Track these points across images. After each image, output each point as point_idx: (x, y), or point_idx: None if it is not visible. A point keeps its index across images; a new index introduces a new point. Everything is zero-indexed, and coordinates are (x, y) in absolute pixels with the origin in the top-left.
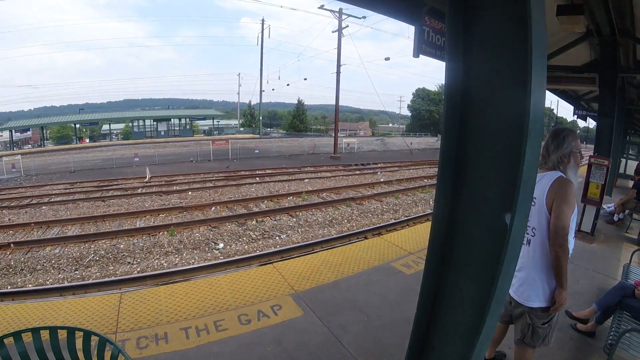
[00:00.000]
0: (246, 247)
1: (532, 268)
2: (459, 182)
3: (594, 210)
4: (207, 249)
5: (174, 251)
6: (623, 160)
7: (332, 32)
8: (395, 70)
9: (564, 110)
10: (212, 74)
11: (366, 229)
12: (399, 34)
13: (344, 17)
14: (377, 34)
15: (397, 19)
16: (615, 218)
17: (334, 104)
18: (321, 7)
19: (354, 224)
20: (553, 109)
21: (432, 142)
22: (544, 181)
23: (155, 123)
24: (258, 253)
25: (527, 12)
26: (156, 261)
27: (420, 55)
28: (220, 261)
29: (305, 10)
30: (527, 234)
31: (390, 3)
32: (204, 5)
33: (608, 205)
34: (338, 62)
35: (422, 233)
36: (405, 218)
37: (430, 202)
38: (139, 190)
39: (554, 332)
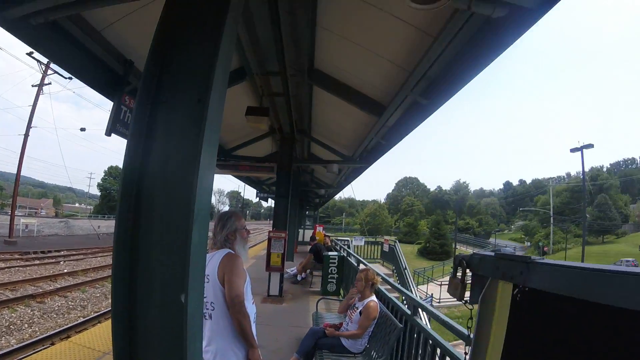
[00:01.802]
0: None
1: (221, 339)
2: (135, 268)
3: (279, 275)
4: None
5: None
6: (302, 231)
7: (32, 85)
8: (90, 143)
9: (250, 192)
10: None
11: (52, 332)
12: (100, 105)
13: (50, 72)
14: (79, 100)
15: (98, 91)
16: (299, 278)
17: (15, 172)
18: (30, 53)
19: (37, 329)
20: (240, 192)
21: None
22: (215, 259)
23: None
24: None
25: (205, 114)
26: None
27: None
28: None
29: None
30: (208, 309)
31: (92, 71)
32: None
33: (291, 269)
34: (28, 124)
35: None
36: (95, 314)
37: None
38: None
39: None
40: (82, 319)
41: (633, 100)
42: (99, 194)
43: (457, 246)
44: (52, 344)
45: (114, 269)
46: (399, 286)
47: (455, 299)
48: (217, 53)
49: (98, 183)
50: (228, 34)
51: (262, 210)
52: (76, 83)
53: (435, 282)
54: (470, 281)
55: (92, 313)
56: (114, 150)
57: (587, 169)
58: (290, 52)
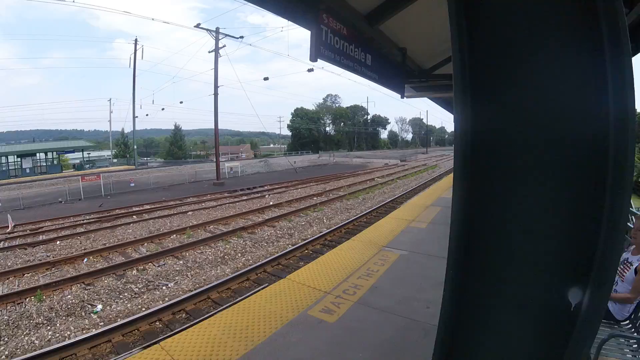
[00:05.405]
0: (129, 305)
1: None
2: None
3: None
4: (83, 313)
5: (45, 322)
6: None
7: (209, 52)
8: (273, 91)
9: (432, 118)
10: (82, 100)
11: (264, 261)
12: (277, 54)
13: (220, 36)
14: (254, 56)
15: (291, 19)
16: None
17: (213, 127)
18: (197, 25)
19: (249, 257)
20: (422, 119)
21: (315, 159)
22: None
23: (19, 159)
24: (144, 313)
25: None
26: (26, 338)
27: (314, 67)
28: (99, 331)
29: (177, 24)
30: None
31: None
32: (76, 25)
33: None
34: (215, 84)
35: (331, 265)
36: (303, 242)
37: (324, 220)
38: (0, 245)
39: None
40: (290, 247)
41: None
42: (289, 134)
43: None
44: (265, 271)
45: (455, 190)
46: None
47: None
48: None
49: (287, 124)
50: None
51: (447, 136)
52: (248, 40)
53: None
54: None
55: (300, 241)
56: (297, 94)
57: None
58: None
